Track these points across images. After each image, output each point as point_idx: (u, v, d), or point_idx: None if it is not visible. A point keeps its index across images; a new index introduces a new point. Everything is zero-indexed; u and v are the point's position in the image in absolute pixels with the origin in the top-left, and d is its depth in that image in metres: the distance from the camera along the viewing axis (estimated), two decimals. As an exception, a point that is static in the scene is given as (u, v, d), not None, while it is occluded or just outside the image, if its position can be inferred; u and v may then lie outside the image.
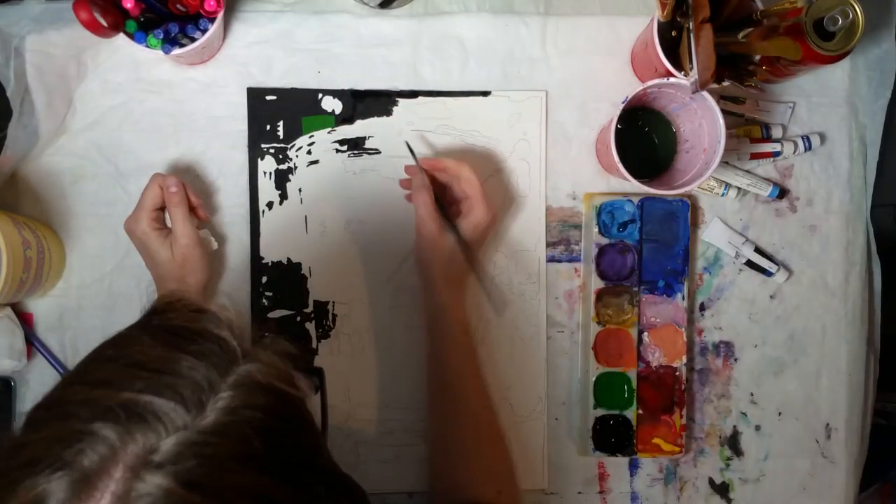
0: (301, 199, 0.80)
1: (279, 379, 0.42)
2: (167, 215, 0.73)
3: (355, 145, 0.80)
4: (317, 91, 0.80)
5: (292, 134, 0.80)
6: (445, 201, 0.75)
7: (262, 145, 0.79)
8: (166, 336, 0.41)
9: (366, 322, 0.80)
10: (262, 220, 0.80)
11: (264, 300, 0.80)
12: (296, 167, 0.80)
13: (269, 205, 0.80)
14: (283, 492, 0.39)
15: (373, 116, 0.80)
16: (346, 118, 0.80)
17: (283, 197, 0.80)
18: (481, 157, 0.81)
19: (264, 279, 0.80)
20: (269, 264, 0.80)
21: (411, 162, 0.76)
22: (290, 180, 0.80)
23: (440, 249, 0.73)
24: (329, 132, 0.80)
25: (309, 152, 0.80)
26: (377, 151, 0.80)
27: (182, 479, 0.36)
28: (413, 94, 0.80)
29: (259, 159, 0.79)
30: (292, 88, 0.80)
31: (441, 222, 0.73)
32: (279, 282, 0.80)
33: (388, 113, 0.80)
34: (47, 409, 0.39)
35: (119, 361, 0.40)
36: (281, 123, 0.79)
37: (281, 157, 0.80)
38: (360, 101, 0.80)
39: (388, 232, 0.80)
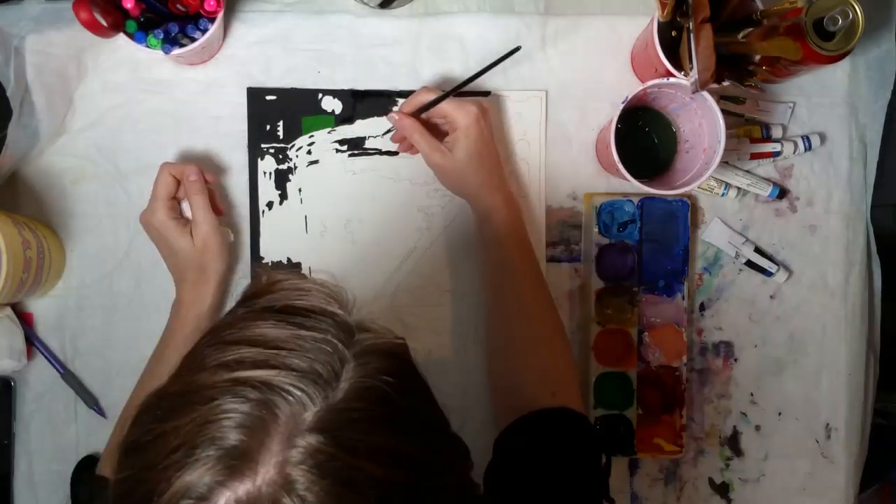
0: (301, 199, 0.80)
1: (394, 344, 0.44)
2: (182, 205, 0.73)
3: (355, 145, 0.80)
4: (317, 91, 0.80)
5: (292, 134, 0.80)
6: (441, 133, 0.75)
7: (262, 145, 0.79)
8: (280, 315, 0.42)
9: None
10: (262, 220, 0.80)
11: (264, 300, 0.80)
12: (296, 167, 0.80)
13: (269, 205, 0.80)
14: (419, 450, 0.42)
15: (373, 116, 0.80)
16: (346, 118, 0.80)
17: (283, 197, 0.80)
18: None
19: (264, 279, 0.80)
20: (269, 264, 0.80)
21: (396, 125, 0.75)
22: (290, 180, 0.80)
23: (457, 169, 0.72)
24: (329, 132, 0.80)
25: (309, 152, 0.80)
26: (377, 151, 0.80)
27: (335, 442, 0.38)
28: (413, 94, 0.80)
29: (259, 159, 0.79)
30: (292, 88, 0.80)
31: (441, 147, 0.72)
32: (279, 282, 0.80)
33: (388, 113, 0.80)
34: (181, 395, 0.40)
35: (243, 343, 0.41)
36: (281, 123, 0.79)
37: (281, 157, 0.80)
38: (360, 101, 0.80)
39: (388, 232, 0.80)
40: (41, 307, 0.79)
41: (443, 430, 0.47)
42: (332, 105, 0.80)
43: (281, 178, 0.80)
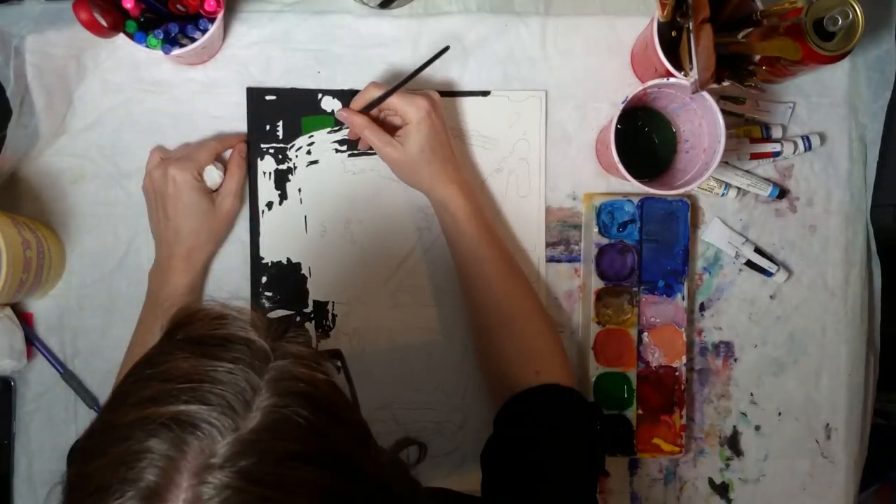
0: (301, 199, 0.80)
1: (311, 368, 0.43)
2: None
3: (355, 145, 0.80)
4: (317, 91, 0.80)
5: (292, 134, 0.80)
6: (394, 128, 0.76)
7: (262, 145, 0.79)
8: (196, 347, 0.42)
9: (365, 322, 0.80)
10: (262, 220, 0.80)
11: (264, 300, 0.80)
12: (295, 167, 0.80)
13: (269, 205, 0.80)
14: (338, 479, 0.41)
15: (373, 116, 0.80)
16: (345, 118, 0.80)
17: (283, 197, 0.80)
18: (481, 156, 0.81)
19: (264, 279, 0.80)
20: (269, 264, 0.80)
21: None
22: (289, 180, 0.80)
23: (410, 162, 0.73)
24: (329, 132, 0.80)
25: (309, 152, 0.80)
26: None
27: (245, 475, 0.37)
28: (413, 94, 0.80)
29: (259, 159, 0.79)
30: (292, 88, 0.80)
31: (393, 141, 0.73)
32: (279, 282, 0.80)
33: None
34: (99, 436, 0.41)
35: (158, 378, 0.41)
36: (281, 123, 0.79)
37: (281, 157, 0.80)
38: (360, 101, 0.80)
39: (387, 232, 0.80)
40: (41, 307, 0.79)
41: (365, 454, 0.46)
42: (331, 105, 0.80)
43: (281, 179, 0.80)
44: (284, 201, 0.80)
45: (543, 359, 0.73)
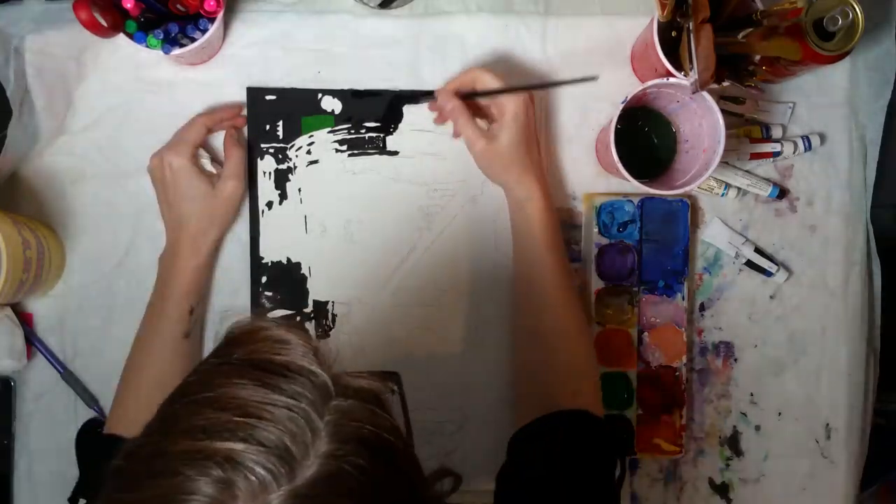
0: (301, 199, 0.80)
1: (373, 414, 0.41)
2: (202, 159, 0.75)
3: (355, 145, 0.80)
4: (317, 91, 0.80)
5: (292, 134, 0.80)
6: (487, 118, 0.76)
7: (262, 145, 0.79)
8: (255, 373, 0.40)
9: (365, 322, 0.80)
10: (262, 220, 0.80)
11: (264, 300, 0.80)
12: (295, 167, 0.80)
13: (269, 205, 0.80)
14: None
15: (372, 117, 0.80)
16: (346, 118, 0.80)
17: (283, 197, 0.80)
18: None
19: (264, 279, 0.80)
20: (269, 264, 0.80)
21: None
22: (289, 180, 0.80)
23: (500, 155, 0.72)
24: (329, 132, 0.80)
25: (309, 152, 0.80)
26: (377, 151, 0.80)
27: None
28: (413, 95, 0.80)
29: (259, 159, 0.79)
30: (292, 88, 0.80)
31: (487, 133, 0.73)
32: (279, 282, 0.80)
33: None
34: (145, 462, 0.38)
35: (214, 406, 0.38)
36: (280, 123, 0.79)
37: (280, 156, 0.80)
38: (360, 100, 0.80)
39: (388, 232, 0.80)
40: (41, 307, 0.79)
41: (417, 499, 0.43)
42: (331, 105, 0.80)
43: (281, 178, 0.80)
44: (284, 201, 0.80)
45: (584, 381, 0.72)
